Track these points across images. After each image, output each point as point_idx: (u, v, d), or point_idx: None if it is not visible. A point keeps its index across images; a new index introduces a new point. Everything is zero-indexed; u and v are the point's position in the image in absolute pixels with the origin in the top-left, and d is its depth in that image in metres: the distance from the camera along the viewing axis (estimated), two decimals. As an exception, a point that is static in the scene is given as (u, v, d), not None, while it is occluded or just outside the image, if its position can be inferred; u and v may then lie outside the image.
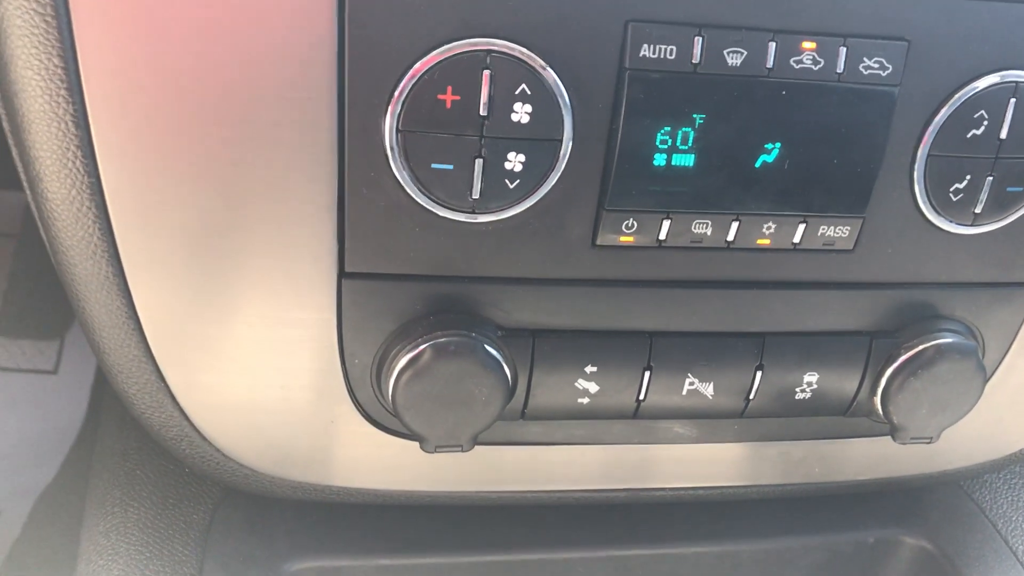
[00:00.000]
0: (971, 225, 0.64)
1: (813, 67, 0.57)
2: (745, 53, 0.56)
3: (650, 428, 0.70)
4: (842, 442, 0.75)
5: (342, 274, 0.60)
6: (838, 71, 0.57)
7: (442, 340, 0.60)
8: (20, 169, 0.58)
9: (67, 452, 1.14)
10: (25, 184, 0.58)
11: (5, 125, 0.58)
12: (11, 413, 1.18)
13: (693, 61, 0.56)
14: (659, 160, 0.58)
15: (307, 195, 0.57)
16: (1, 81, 0.54)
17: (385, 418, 0.66)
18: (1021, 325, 0.71)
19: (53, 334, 1.24)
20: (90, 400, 1.18)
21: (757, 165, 0.59)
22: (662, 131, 0.57)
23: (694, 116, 0.57)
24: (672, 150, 0.58)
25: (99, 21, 0.51)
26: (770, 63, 0.56)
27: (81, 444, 1.13)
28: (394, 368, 0.60)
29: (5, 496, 1.10)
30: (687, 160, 0.58)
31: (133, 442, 0.81)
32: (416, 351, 0.60)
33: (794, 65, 0.57)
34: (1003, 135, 0.60)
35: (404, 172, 0.56)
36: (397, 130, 0.54)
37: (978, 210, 0.63)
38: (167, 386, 0.63)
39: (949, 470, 0.79)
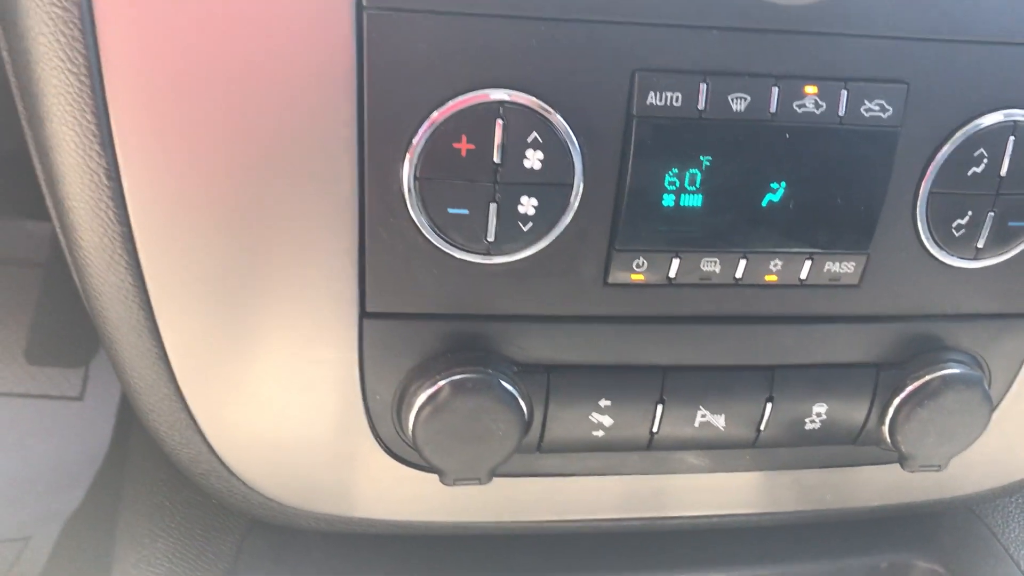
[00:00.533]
0: (974, 259, 0.65)
1: (815, 111, 0.59)
2: (749, 98, 0.58)
3: (664, 459, 0.72)
4: (853, 469, 0.77)
5: (363, 314, 0.62)
6: (840, 114, 0.59)
7: (460, 377, 0.62)
8: (54, 218, 0.61)
9: (93, 477, 1.16)
10: (59, 233, 0.61)
11: (40, 175, 0.61)
12: (38, 439, 1.20)
13: (699, 107, 0.58)
14: (667, 201, 0.60)
15: (329, 240, 0.59)
16: (37, 136, 0.57)
17: (405, 452, 0.68)
18: (1027, 354, 0.72)
19: (79, 361, 1.26)
20: (115, 426, 1.21)
21: (763, 204, 0.61)
22: (670, 173, 0.59)
23: (701, 158, 0.59)
24: (680, 191, 0.60)
25: (130, 81, 0.53)
26: (773, 108, 0.58)
27: (107, 470, 1.15)
28: (414, 404, 0.63)
29: (34, 522, 1.12)
30: (695, 201, 0.60)
31: (161, 474, 0.83)
32: (435, 388, 0.62)
33: (797, 109, 0.58)
34: (1003, 172, 0.62)
35: (421, 217, 0.58)
36: (415, 177, 0.57)
37: (980, 245, 0.64)
38: (196, 424, 0.65)
39: (959, 496, 0.81)
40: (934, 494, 0.80)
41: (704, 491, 0.76)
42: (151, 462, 0.86)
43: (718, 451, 0.72)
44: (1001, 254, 0.65)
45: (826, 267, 0.64)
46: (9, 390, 1.23)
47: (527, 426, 0.64)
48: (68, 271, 0.63)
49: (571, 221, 0.60)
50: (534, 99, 0.56)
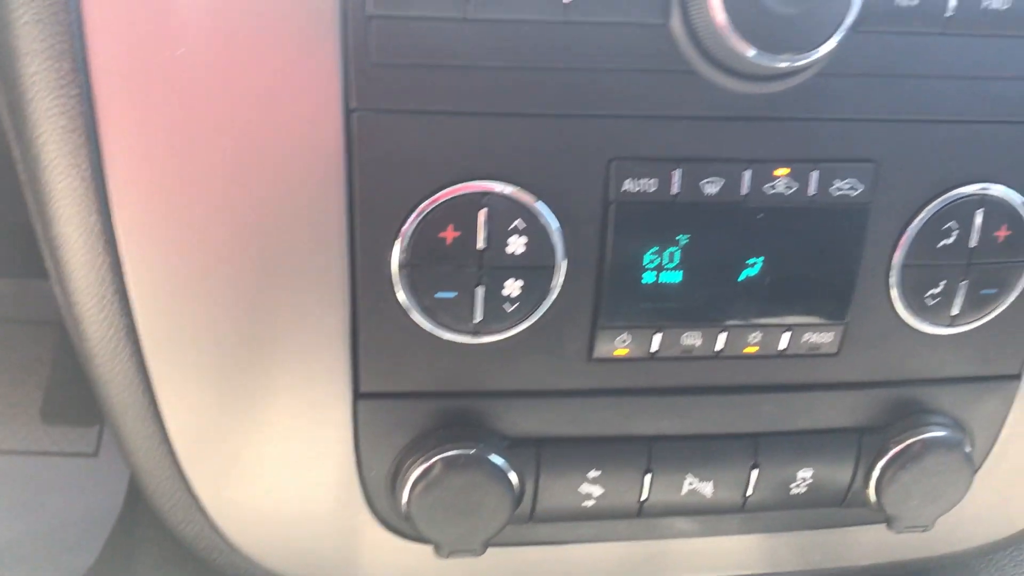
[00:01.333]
0: (949, 326, 0.67)
1: (786, 191, 0.61)
2: (721, 182, 0.60)
3: (654, 525, 0.73)
4: (843, 530, 0.78)
5: (357, 395, 0.64)
6: (810, 194, 0.61)
7: (451, 453, 0.64)
8: (63, 309, 0.64)
9: (108, 535, 1.18)
10: (68, 324, 0.64)
11: (50, 270, 0.64)
12: (53, 496, 1.22)
13: (672, 192, 0.60)
14: (648, 279, 0.62)
15: (323, 325, 0.61)
16: (45, 232, 0.60)
17: (402, 525, 0.70)
18: (1007, 415, 0.73)
19: (93, 419, 1.29)
20: (129, 483, 1.23)
21: (740, 279, 0.63)
22: (649, 253, 0.62)
23: (678, 238, 0.62)
24: (659, 269, 0.62)
25: (131, 182, 0.57)
26: (745, 190, 0.61)
27: (121, 528, 1.17)
28: (407, 480, 0.64)
29: (50, 580, 1.14)
30: (674, 278, 0.63)
31: (170, 545, 0.85)
32: (427, 465, 0.64)
33: (768, 191, 0.61)
34: (973, 243, 0.64)
35: (410, 301, 0.60)
36: (403, 264, 0.59)
37: (955, 312, 0.66)
38: (199, 503, 0.67)
39: (950, 553, 0.82)
40: (924, 552, 0.81)
41: (697, 555, 0.77)
42: (160, 535, 0.88)
43: (707, 516, 0.73)
44: (976, 320, 0.67)
45: (804, 338, 0.66)
46: (24, 447, 1.25)
47: (518, 499, 0.66)
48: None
49: (555, 301, 0.62)
50: (516, 189, 0.59)
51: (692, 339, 0.65)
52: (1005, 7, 0.59)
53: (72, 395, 1.29)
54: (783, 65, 0.56)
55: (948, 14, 0.58)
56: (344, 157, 0.57)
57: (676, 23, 0.56)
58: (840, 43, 0.56)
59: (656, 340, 0.64)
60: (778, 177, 0.61)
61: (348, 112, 0.56)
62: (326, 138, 0.57)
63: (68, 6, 0.53)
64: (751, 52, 0.55)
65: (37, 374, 1.29)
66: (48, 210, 0.58)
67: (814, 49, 0.55)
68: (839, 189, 0.62)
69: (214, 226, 0.58)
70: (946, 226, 0.64)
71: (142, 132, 0.56)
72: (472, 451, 0.64)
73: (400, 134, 0.57)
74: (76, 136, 0.55)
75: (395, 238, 0.59)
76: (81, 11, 0.53)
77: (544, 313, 0.62)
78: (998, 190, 0.64)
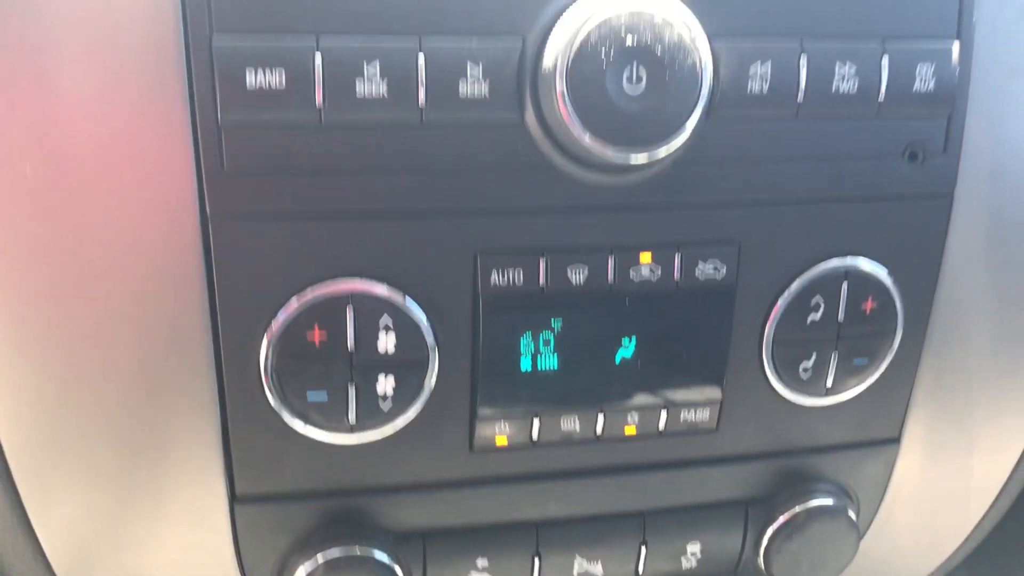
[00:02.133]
0: (825, 396, 0.68)
1: (651, 277, 0.62)
2: (587, 269, 0.61)
3: (549, 608, 0.73)
4: (743, 596, 0.79)
5: (233, 499, 0.63)
6: (675, 277, 0.62)
7: (334, 555, 0.63)
8: None
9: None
10: None
11: None
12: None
13: (540, 282, 0.61)
14: (522, 367, 0.63)
15: (193, 430, 0.61)
16: None
17: (291, 625, 0.69)
18: (891, 477, 0.75)
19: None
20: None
21: (616, 362, 0.64)
22: (521, 342, 0.62)
23: (550, 325, 0.62)
24: (532, 357, 0.63)
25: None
26: (611, 277, 0.61)
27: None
28: (292, 582, 0.64)
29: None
30: (548, 365, 0.63)
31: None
32: (310, 568, 0.63)
33: (633, 277, 0.62)
34: (841, 317, 0.66)
35: (280, 404, 0.60)
36: (270, 369, 0.59)
37: (829, 384, 0.68)
38: None
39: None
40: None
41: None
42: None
43: (603, 595, 0.73)
44: (850, 389, 0.69)
45: (682, 416, 0.66)
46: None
47: (406, 594, 0.66)
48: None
49: (431, 395, 0.62)
50: (382, 286, 0.59)
51: (571, 424, 0.65)
52: (853, 91, 0.61)
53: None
54: (636, 160, 0.57)
55: (800, 99, 0.60)
56: (203, 263, 0.57)
57: (531, 119, 0.57)
58: (693, 132, 0.57)
59: (535, 427, 0.64)
60: (642, 263, 0.62)
61: (205, 219, 0.56)
62: (183, 245, 0.56)
63: None
64: (602, 148, 0.56)
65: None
66: None
67: (665, 142, 0.56)
68: (704, 272, 0.63)
69: (76, 334, 0.57)
70: (813, 301, 0.65)
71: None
72: (355, 549, 0.64)
73: (258, 238, 0.57)
74: None
75: (260, 342, 0.58)
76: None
77: (421, 408, 0.62)
78: (861, 263, 0.65)
